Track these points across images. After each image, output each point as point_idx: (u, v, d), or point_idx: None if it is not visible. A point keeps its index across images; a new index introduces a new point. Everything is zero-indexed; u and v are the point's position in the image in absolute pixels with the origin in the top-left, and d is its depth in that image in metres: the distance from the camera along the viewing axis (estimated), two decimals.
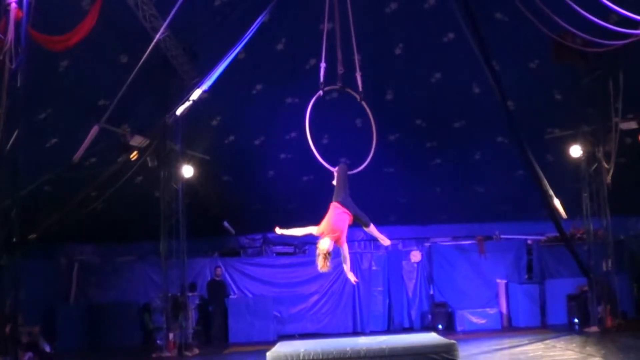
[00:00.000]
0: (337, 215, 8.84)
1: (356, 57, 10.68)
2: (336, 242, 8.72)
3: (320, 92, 10.37)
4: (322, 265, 8.60)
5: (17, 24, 9.92)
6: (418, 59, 16.54)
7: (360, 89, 10.78)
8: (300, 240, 19.78)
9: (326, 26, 10.63)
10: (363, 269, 19.02)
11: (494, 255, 19.19)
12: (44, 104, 13.44)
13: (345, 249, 8.92)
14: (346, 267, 9.06)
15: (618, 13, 8.25)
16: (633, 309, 17.25)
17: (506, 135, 17.09)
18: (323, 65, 10.43)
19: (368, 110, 10.76)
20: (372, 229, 9.13)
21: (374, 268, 19.20)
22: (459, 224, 20.32)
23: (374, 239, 20.49)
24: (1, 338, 9.85)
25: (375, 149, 10.39)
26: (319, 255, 8.61)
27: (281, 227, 8.99)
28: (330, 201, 9.10)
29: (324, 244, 8.58)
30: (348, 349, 11.03)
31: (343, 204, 8.94)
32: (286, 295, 18.92)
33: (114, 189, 13.59)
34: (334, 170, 9.67)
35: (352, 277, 9.31)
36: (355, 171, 10.05)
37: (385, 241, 9.38)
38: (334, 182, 9.61)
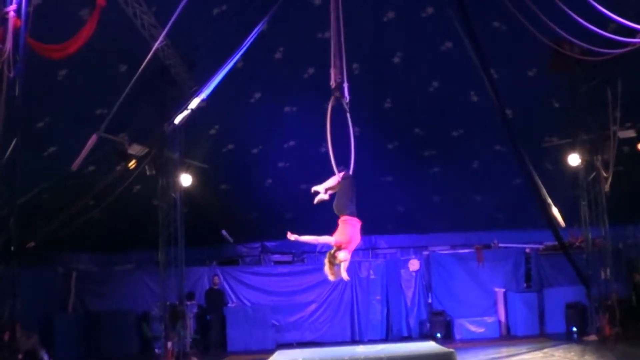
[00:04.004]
0: (353, 228, 8.85)
1: (343, 68, 10.55)
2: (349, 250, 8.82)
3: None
4: (335, 274, 8.75)
5: (16, 33, 9.92)
6: (416, 68, 16.57)
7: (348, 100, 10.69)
8: (299, 248, 19.80)
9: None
10: (361, 278, 18.99)
11: (492, 263, 19.14)
12: (42, 113, 13.42)
13: (349, 254, 8.95)
14: (344, 271, 9.03)
15: (616, 21, 8.27)
16: (632, 318, 17.19)
17: (504, 143, 17.04)
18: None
19: (350, 123, 10.54)
20: None
21: (372, 277, 19.14)
22: (457, 233, 20.31)
23: (372, 248, 20.65)
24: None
25: (354, 159, 9.97)
26: (333, 264, 8.68)
27: (280, 234, 8.94)
28: (337, 216, 8.97)
29: (344, 256, 8.69)
30: (346, 357, 11.06)
31: (355, 215, 8.95)
32: (284, 303, 18.87)
33: (112, 197, 13.55)
34: (339, 175, 9.42)
35: (345, 276, 9.24)
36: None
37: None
38: (328, 185, 9.45)
